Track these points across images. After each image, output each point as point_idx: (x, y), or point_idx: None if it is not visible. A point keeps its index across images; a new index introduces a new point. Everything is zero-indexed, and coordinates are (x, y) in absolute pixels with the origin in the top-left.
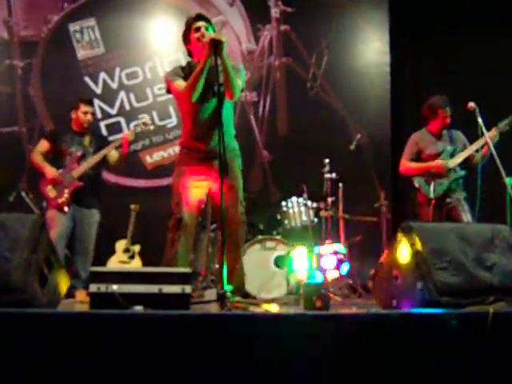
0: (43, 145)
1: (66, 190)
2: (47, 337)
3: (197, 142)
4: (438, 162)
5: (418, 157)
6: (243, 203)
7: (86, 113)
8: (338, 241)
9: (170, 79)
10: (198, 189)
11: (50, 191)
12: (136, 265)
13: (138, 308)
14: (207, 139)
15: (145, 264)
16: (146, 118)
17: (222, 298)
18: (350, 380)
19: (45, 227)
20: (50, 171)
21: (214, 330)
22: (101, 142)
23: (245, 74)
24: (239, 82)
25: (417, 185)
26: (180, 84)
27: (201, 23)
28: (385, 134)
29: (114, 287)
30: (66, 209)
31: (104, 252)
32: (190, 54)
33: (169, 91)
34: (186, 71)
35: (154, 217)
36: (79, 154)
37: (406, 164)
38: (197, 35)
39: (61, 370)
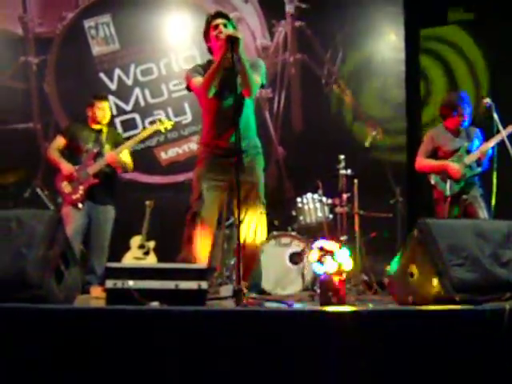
0: (59, 141)
1: (81, 187)
2: (64, 332)
3: (217, 140)
4: (455, 167)
5: (434, 154)
6: (264, 201)
7: (102, 109)
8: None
9: (190, 76)
10: (217, 186)
11: (66, 187)
12: (151, 261)
13: (155, 304)
14: (227, 136)
15: (159, 260)
16: (158, 125)
17: (237, 294)
18: (364, 377)
19: (61, 223)
20: (66, 167)
21: (230, 326)
22: (117, 140)
23: (265, 69)
24: (258, 78)
25: (433, 182)
26: (198, 80)
27: (219, 20)
28: (400, 129)
29: (130, 283)
30: (80, 205)
31: (119, 248)
32: (210, 51)
33: (189, 88)
34: (206, 68)
35: (169, 213)
36: (95, 150)
37: (422, 161)
38: (215, 33)
39: (76, 365)
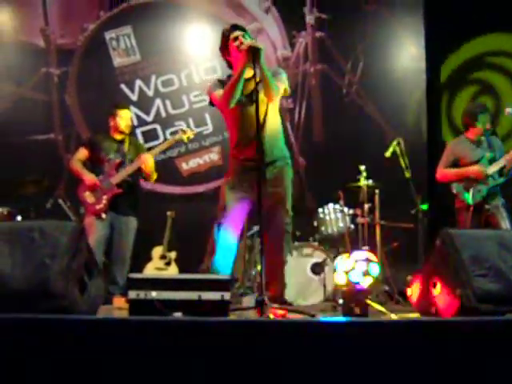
0: (82, 153)
1: (105, 197)
2: (87, 343)
3: (244, 151)
4: (476, 167)
5: (455, 165)
6: (290, 213)
7: (124, 118)
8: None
9: (211, 89)
10: (244, 197)
11: (88, 197)
12: (172, 271)
13: (177, 315)
14: (253, 147)
15: (181, 271)
16: (181, 134)
17: (260, 305)
18: None
19: (84, 234)
20: (89, 177)
21: (253, 336)
22: (139, 150)
23: (286, 76)
24: (280, 84)
25: (455, 191)
26: (219, 93)
27: (238, 32)
28: (421, 139)
29: (153, 294)
30: (103, 215)
31: (140, 258)
32: (230, 66)
33: (212, 103)
34: (226, 83)
35: (190, 223)
36: (118, 160)
37: (443, 171)
38: (236, 44)
39: (100, 376)
